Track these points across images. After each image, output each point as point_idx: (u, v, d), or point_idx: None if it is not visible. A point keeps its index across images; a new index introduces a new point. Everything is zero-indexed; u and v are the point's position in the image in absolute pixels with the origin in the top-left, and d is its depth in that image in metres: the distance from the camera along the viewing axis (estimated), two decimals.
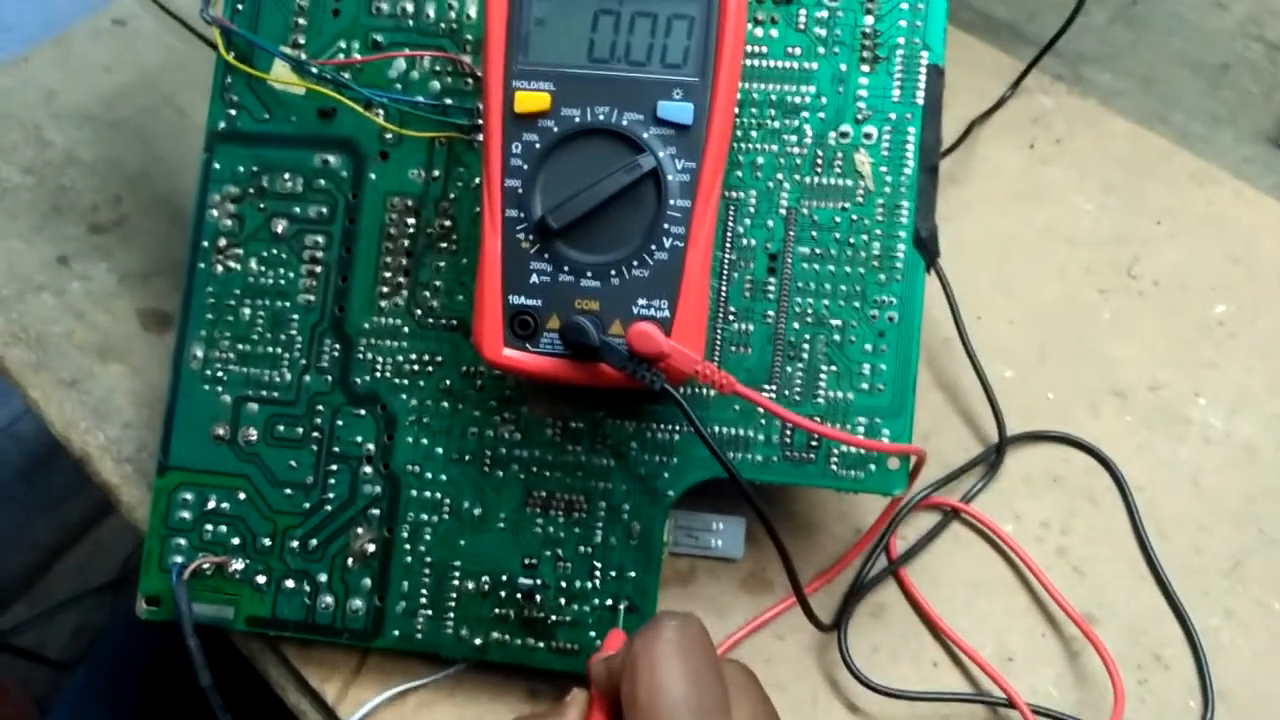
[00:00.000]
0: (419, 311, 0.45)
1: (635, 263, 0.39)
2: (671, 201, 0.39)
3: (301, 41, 0.46)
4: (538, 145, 0.39)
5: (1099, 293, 0.54)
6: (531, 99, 0.39)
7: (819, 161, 0.43)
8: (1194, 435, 0.50)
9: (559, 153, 0.39)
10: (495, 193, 0.40)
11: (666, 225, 0.39)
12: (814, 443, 0.43)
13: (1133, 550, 0.47)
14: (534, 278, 0.40)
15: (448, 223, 0.45)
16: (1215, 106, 0.62)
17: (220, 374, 0.46)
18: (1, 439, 1.32)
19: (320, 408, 0.45)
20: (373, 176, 0.46)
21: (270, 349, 0.46)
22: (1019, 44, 0.64)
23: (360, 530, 0.45)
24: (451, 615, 0.44)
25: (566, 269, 0.39)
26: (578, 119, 0.39)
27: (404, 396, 0.45)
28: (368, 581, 0.44)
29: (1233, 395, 0.51)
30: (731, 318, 0.44)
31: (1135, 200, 0.57)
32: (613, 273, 0.39)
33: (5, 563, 1.33)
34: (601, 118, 0.39)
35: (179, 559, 0.45)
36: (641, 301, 0.39)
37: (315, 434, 0.45)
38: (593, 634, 0.43)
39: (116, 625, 1.27)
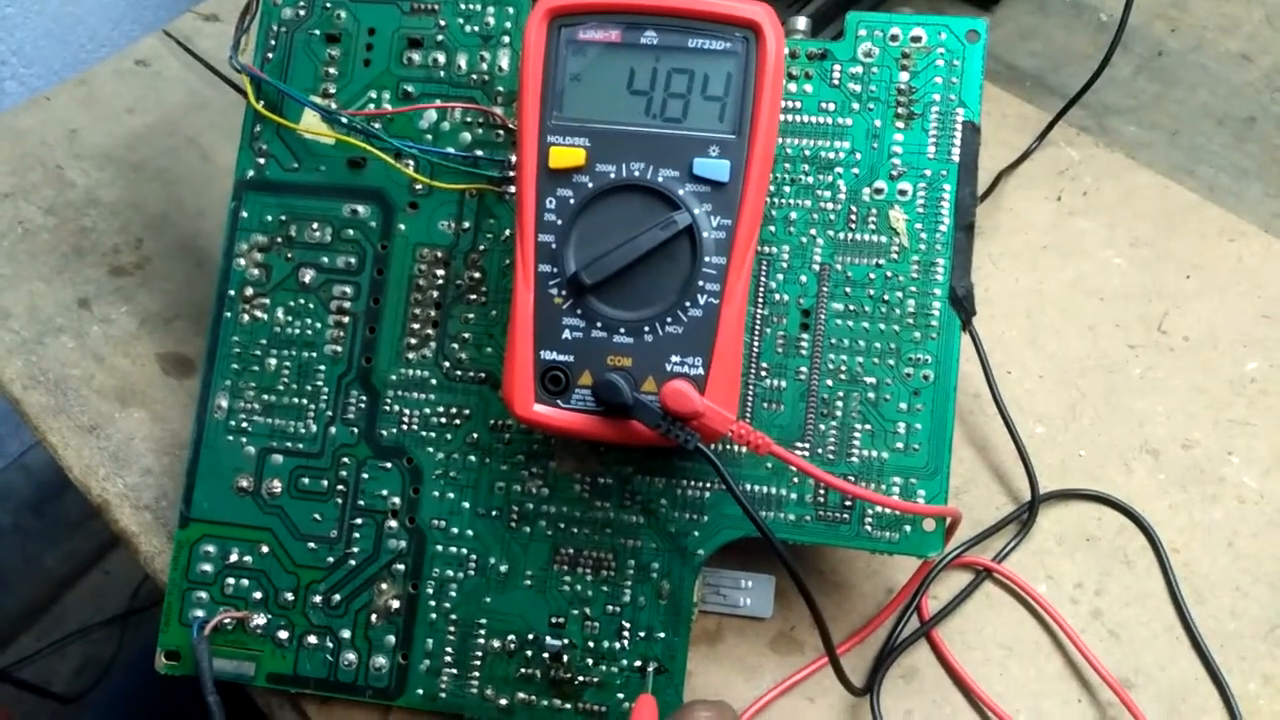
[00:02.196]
0: (447, 364, 0.45)
1: (669, 319, 0.39)
2: (707, 258, 0.38)
3: (332, 91, 0.46)
4: (572, 200, 0.39)
5: (1129, 348, 0.54)
6: (566, 154, 0.39)
7: (853, 217, 0.43)
8: (1228, 495, 0.49)
9: (593, 208, 0.39)
10: (528, 247, 0.39)
11: (701, 282, 0.38)
12: (848, 503, 0.42)
13: (1169, 613, 0.47)
14: (566, 333, 0.39)
15: (477, 274, 0.45)
16: (1242, 160, 0.61)
17: (245, 425, 0.45)
18: (12, 470, 1.31)
19: (345, 460, 0.45)
20: (402, 227, 0.45)
21: (296, 400, 0.45)
22: (1044, 95, 0.64)
23: (384, 586, 0.44)
24: (476, 674, 0.43)
25: (599, 325, 0.39)
26: (613, 175, 0.39)
27: (430, 450, 0.44)
28: (391, 638, 0.44)
29: (1266, 454, 0.50)
30: (764, 373, 0.43)
31: (1164, 254, 0.57)
32: (646, 329, 0.39)
33: (13, 595, 1.33)
34: (637, 174, 0.39)
35: (200, 613, 0.44)
36: (675, 358, 0.39)
37: (340, 487, 0.45)
38: (620, 696, 0.42)
39: (124, 660, 1.26)
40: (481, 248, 0.45)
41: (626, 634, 0.43)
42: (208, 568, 0.45)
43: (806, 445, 0.43)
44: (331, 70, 0.46)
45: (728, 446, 0.43)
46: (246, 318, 0.46)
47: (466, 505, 0.44)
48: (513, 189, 0.45)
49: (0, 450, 1.31)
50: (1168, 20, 0.68)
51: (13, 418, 1.30)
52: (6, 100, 1.02)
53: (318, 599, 0.44)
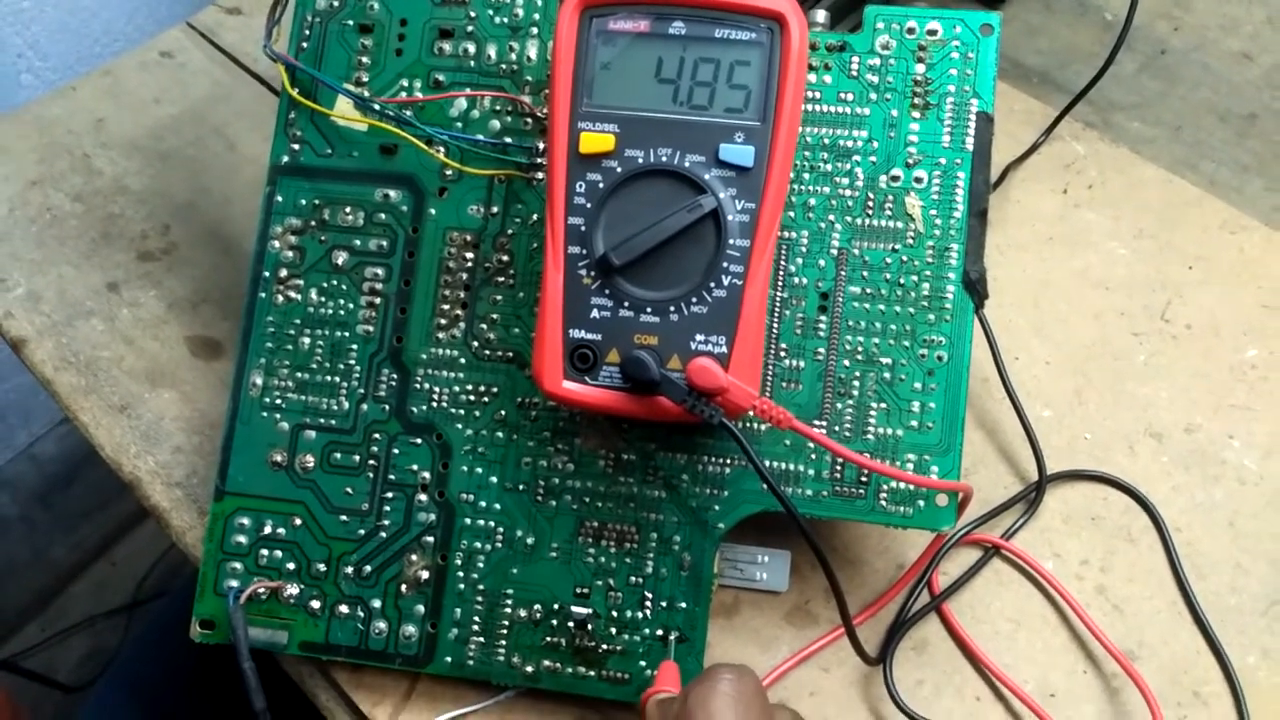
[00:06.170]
0: (476, 343, 0.46)
1: (694, 299, 0.40)
2: (731, 241, 0.40)
3: (365, 79, 0.48)
4: (601, 184, 0.41)
5: (1134, 336, 0.55)
6: (596, 140, 0.40)
7: (870, 204, 0.45)
8: (1229, 477, 0.51)
9: (621, 192, 0.41)
10: (558, 230, 0.41)
11: (726, 264, 0.40)
12: (864, 478, 0.44)
13: (1171, 589, 0.48)
14: (595, 313, 0.41)
15: (505, 257, 0.46)
16: (1243, 155, 0.63)
17: (279, 401, 0.47)
18: (20, 460, 1.32)
19: (377, 436, 0.46)
20: (432, 211, 0.47)
21: (329, 378, 0.47)
22: (1050, 90, 0.66)
23: (414, 557, 0.45)
24: (503, 643, 0.45)
25: (627, 304, 0.40)
26: (641, 160, 0.40)
27: (459, 426, 0.46)
28: (421, 608, 0.45)
29: (1265, 438, 0.52)
30: (783, 354, 0.45)
31: (1167, 246, 0.58)
32: (672, 309, 0.40)
33: (20, 585, 1.34)
34: (664, 159, 0.40)
35: (235, 583, 0.46)
36: (700, 337, 0.40)
37: (371, 462, 0.46)
38: (643, 664, 0.44)
39: (130, 649, 1.27)
40: (510, 231, 0.46)
41: (649, 604, 0.44)
42: (242, 539, 0.46)
43: (824, 423, 0.44)
44: (364, 59, 0.48)
45: (746, 423, 0.44)
46: (281, 298, 0.47)
47: (494, 480, 0.45)
48: (540, 175, 0.46)
49: (8, 441, 1.32)
50: (1170, 20, 0.69)
51: (20, 409, 1.31)
52: (23, 94, 1.04)
53: (349, 570, 0.46)
